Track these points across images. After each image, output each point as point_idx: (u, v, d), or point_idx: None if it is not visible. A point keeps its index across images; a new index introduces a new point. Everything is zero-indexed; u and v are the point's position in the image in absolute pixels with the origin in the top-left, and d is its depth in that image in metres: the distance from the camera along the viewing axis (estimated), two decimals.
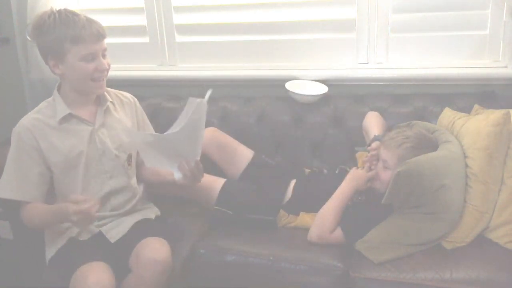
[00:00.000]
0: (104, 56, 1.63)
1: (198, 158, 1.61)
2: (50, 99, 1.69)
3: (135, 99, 1.85)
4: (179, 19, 2.46)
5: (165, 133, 1.54)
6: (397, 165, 1.66)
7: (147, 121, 1.89)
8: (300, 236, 1.78)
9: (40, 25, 1.57)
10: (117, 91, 1.81)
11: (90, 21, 1.58)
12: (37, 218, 1.61)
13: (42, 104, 1.69)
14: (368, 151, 1.84)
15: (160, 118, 2.33)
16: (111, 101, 1.73)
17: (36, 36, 1.60)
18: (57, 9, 1.59)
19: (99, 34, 1.59)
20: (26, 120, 1.64)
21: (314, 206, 1.82)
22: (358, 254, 1.67)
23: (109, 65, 1.65)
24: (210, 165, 2.08)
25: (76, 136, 1.65)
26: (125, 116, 1.77)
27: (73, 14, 1.58)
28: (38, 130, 1.61)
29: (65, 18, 1.56)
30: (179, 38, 2.49)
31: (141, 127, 1.84)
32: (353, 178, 1.82)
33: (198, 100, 1.49)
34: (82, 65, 1.58)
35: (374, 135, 1.87)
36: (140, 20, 2.50)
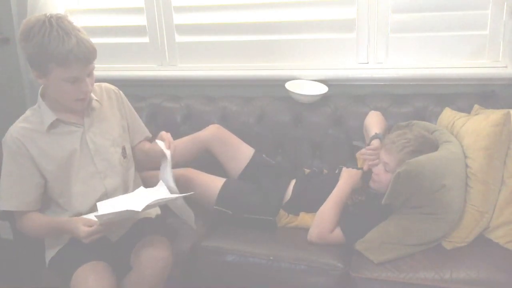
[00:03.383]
0: (90, 75, 1.57)
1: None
2: (35, 106, 1.65)
3: (119, 90, 1.82)
4: (179, 19, 2.46)
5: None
6: (397, 167, 1.66)
7: (133, 110, 1.87)
8: (300, 236, 1.78)
9: (28, 34, 1.48)
10: (98, 84, 1.75)
11: (80, 43, 1.48)
12: (38, 229, 1.62)
13: (28, 112, 1.65)
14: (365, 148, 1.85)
15: (160, 118, 2.34)
16: (96, 99, 1.70)
17: (22, 44, 1.51)
18: (50, 19, 1.47)
19: (86, 59, 1.50)
20: (13, 130, 1.59)
21: (314, 206, 1.82)
22: (358, 254, 1.67)
23: (92, 84, 1.59)
24: (210, 164, 2.08)
25: (66, 140, 1.63)
26: (110, 110, 1.75)
27: (65, 32, 1.46)
28: (27, 139, 1.58)
29: (56, 35, 1.45)
30: (179, 38, 2.49)
31: (129, 118, 1.82)
32: (348, 176, 1.84)
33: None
34: (65, 85, 1.52)
35: (375, 133, 1.88)
36: (140, 20, 2.50)
